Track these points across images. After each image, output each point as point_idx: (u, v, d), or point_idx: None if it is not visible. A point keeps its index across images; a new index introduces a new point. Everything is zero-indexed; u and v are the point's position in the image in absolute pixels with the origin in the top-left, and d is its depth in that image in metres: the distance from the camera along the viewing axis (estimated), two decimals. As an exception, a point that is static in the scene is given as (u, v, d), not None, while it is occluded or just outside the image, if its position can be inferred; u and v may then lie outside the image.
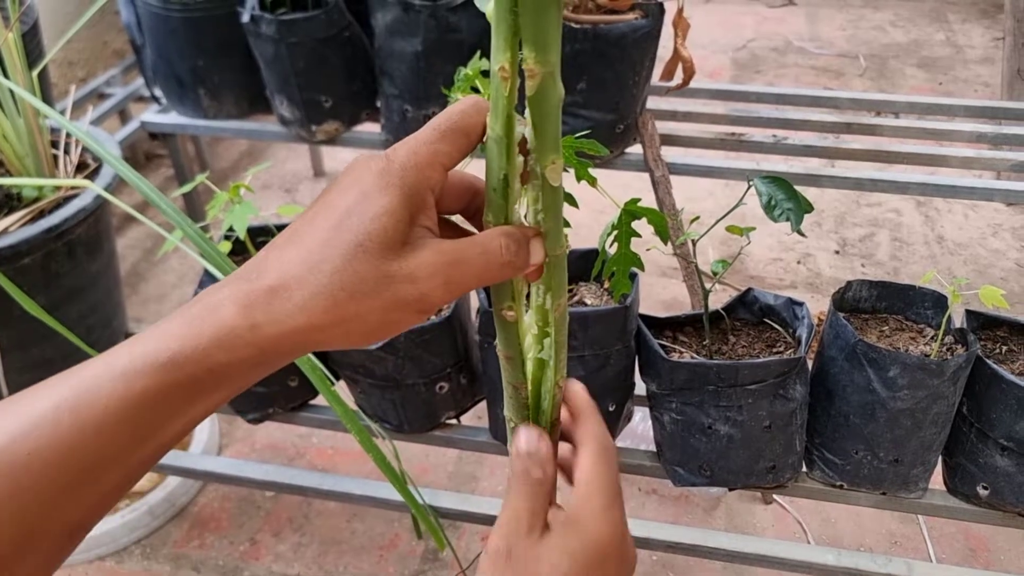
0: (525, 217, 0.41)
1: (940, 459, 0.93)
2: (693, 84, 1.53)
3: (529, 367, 0.47)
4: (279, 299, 0.35)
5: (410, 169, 0.37)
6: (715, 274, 0.84)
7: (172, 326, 0.36)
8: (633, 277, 0.87)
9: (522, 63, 0.35)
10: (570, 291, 0.95)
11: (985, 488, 0.89)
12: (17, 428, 0.33)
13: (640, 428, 1.42)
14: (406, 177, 0.36)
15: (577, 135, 0.66)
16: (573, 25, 1.30)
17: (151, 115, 1.69)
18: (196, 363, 0.35)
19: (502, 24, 0.33)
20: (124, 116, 1.96)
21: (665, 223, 0.75)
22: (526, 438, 0.46)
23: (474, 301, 0.97)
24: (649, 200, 1.06)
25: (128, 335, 1.22)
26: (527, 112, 0.37)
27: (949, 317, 0.86)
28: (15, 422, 0.33)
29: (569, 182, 0.70)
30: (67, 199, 1.01)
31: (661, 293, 1.88)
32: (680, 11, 1.40)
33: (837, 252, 2.04)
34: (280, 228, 1.06)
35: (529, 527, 0.43)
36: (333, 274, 0.35)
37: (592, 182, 0.72)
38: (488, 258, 0.38)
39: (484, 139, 0.38)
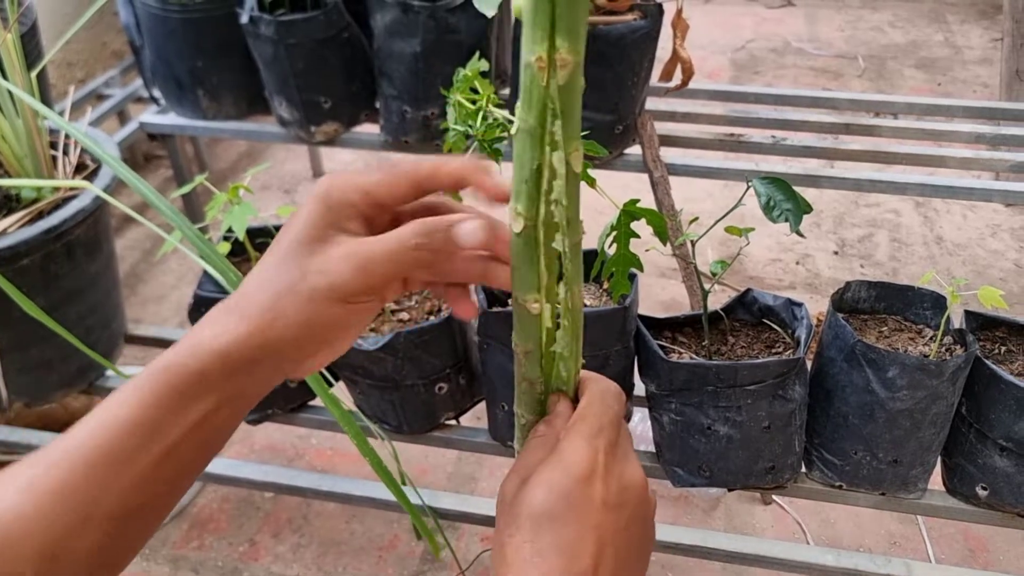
0: (551, 203, 0.41)
1: (939, 460, 0.93)
2: (692, 85, 1.53)
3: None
4: (232, 312, 0.43)
5: (333, 186, 0.44)
6: (714, 275, 0.84)
7: (176, 344, 0.43)
8: (632, 278, 0.87)
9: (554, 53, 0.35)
10: (569, 292, 0.95)
11: (984, 488, 0.89)
12: (72, 437, 0.41)
13: (639, 429, 1.42)
14: (328, 193, 0.44)
15: (576, 136, 0.66)
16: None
17: (150, 116, 1.69)
18: (178, 368, 0.42)
19: (540, 15, 0.34)
20: (123, 117, 1.96)
21: (664, 224, 0.75)
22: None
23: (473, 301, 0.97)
24: (648, 201, 1.06)
25: (127, 336, 1.22)
26: (552, 101, 0.37)
27: (948, 318, 0.86)
28: (77, 431, 0.42)
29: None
30: (66, 200, 1.01)
31: (660, 294, 1.88)
32: (679, 12, 1.40)
33: (836, 253, 2.04)
34: (279, 229, 1.06)
35: (521, 478, 0.45)
36: (266, 282, 0.42)
37: (591, 183, 0.72)
38: (399, 240, 0.43)
39: (514, 132, 0.39)
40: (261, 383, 0.44)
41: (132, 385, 0.42)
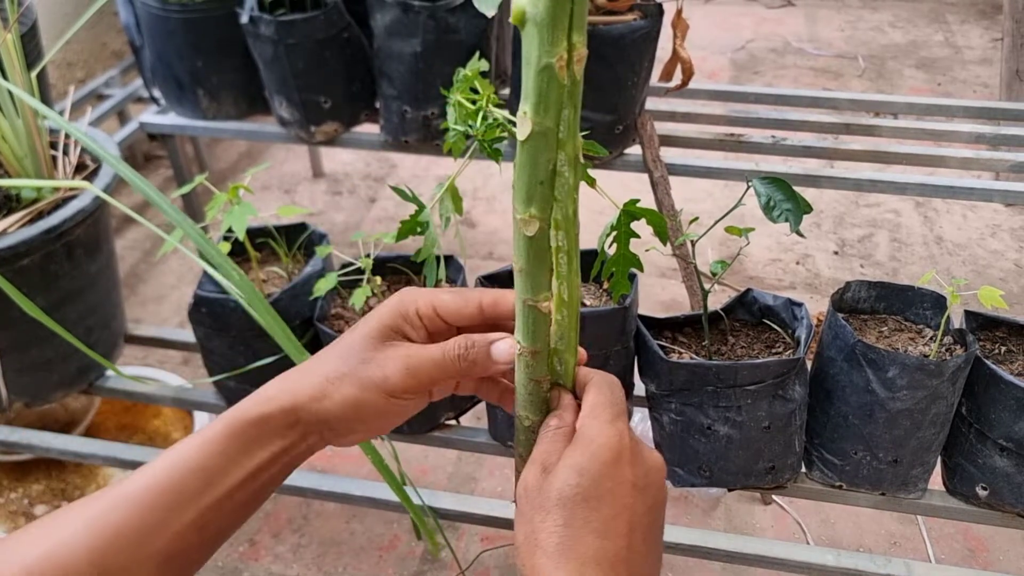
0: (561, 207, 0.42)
1: (939, 459, 0.93)
2: (692, 85, 1.53)
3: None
4: (300, 378, 0.50)
5: (406, 300, 0.52)
6: (714, 275, 0.84)
7: (243, 400, 0.50)
8: (632, 278, 0.87)
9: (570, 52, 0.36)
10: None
11: (984, 488, 0.89)
12: (131, 480, 0.47)
13: (639, 429, 1.42)
14: (401, 304, 0.52)
15: (576, 136, 0.66)
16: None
17: (150, 116, 1.69)
18: (245, 417, 0.48)
19: (562, 15, 0.34)
20: (123, 117, 1.96)
21: (664, 224, 0.75)
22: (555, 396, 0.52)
23: (473, 302, 0.97)
24: (648, 201, 1.06)
25: (127, 336, 1.22)
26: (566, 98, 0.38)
27: (948, 318, 0.86)
28: (136, 475, 0.47)
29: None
30: (66, 200, 1.01)
31: (660, 294, 1.88)
32: (679, 12, 1.40)
33: (836, 253, 2.04)
34: (279, 229, 1.06)
35: (543, 466, 0.47)
36: (332, 362, 0.50)
37: (591, 183, 0.72)
38: (443, 350, 0.50)
39: (525, 138, 0.39)
40: (309, 445, 0.51)
41: (200, 433, 0.49)
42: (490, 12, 0.79)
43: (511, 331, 0.50)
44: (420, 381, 0.50)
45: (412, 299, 0.52)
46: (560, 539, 0.43)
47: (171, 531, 0.46)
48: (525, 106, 0.38)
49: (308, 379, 0.50)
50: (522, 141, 0.39)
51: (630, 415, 1.02)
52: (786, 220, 0.76)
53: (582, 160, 0.40)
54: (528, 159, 0.39)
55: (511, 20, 0.38)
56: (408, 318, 0.52)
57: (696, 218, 0.99)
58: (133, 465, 1.11)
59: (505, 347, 0.50)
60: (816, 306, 1.80)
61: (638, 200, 0.72)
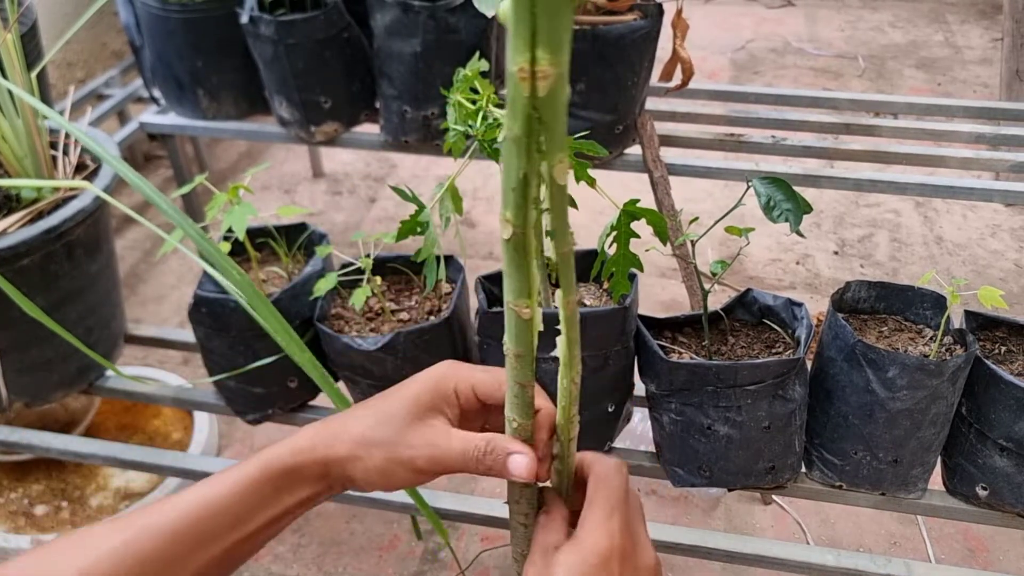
0: (539, 213, 0.41)
1: (939, 459, 0.93)
2: (692, 85, 1.53)
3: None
4: (336, 436, 0.53)
5: (445, 376, 0.55)
6: (714, 275, 0.84)
7: (273, 447, 0.53)
8: (632, 278, 0.87)
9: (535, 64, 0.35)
10: (569, 292, 0.95)
11: (984, 488, 0.89)
12: (160, 511, 0.49)
13: (639, 429, 1.42)
14: (439, 381, 0.55)
15: (576, 136, 0.66)
16: (572, 26, 1.30)
17: (150, 116, 1.69)
18: (279, 463, 0.51)
19: (522, 25, 0.34)
20: (123, 117, 1.97)
21: (664, 224, 0.75)
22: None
23: (473, 302, 0.97)
24: (648, 201, 1.06)
25: (127, 336, 1.22)
26: (536, 111, 0.37)
27: (948, 318, 0.86)
28: (165, 506, 0.49)
29: (568, 183, 0.70)
30: (66, 200, 1.01)
31: (660, 294, 1.88)
32: (679, 12, 1.40)
33: (836, 253, 2.04)
34: (279, 229, 1.06)
35: (541, 556, 0.49)
36: (368, 426, 0.54)
37: (591, 183, 0.72)
38: (465, 448, 0.53)
39: (501, 140, 0.39)
40: (329, 492, 0.55)
41: (232, 475, 0.51)
42: (490, 12, 0.80)
43: (546, 419, 0.53)
44: (442, 468, 0.54)
45: (452, 378, 0.55)
46: None
47: (195, 564, 0.48)
48: (506, 108, 0.38)
49: (343, 438, 0.53)
50: (500, 143, 0.39)
51: (629, 418, 1.02)
52: (786, 220, 0.76)
53: (561, 181, 0.40)
54: (504, 163, 0.39)
55: (500, 20, 0.37)
56: (446, 397, 0.55)
57: (696, 218, 0.99)
58: (133, 465, 1.11)
59: (523, 463, 0.52)
60: (816, 306, 1.80)
61: (638, 200, 0.72)
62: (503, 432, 0.53)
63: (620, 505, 0.50)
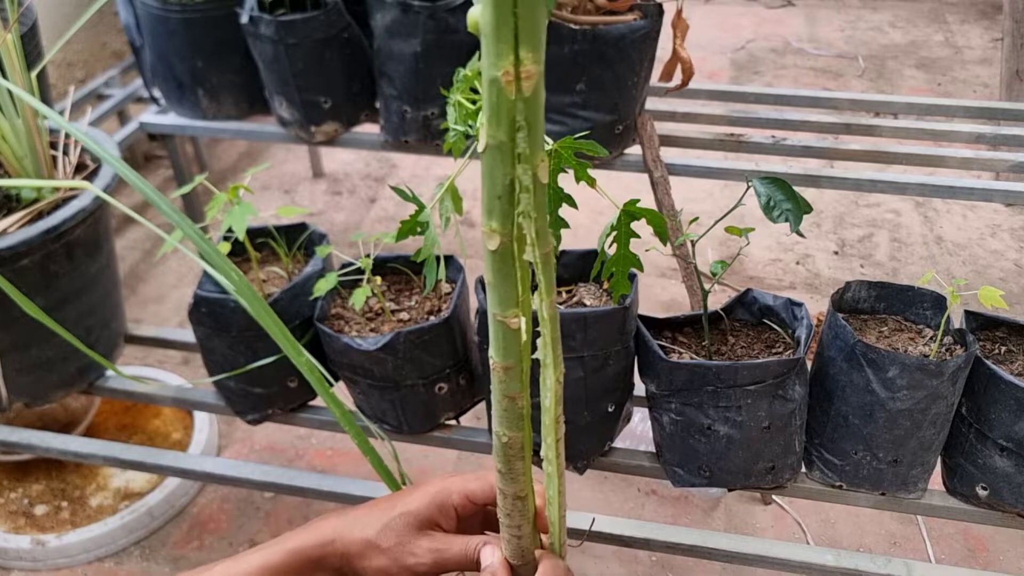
0: (518, 216, 0.41)
1: (939, 459, 0.93)
2: (692, 85, 1.53)
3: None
4: (349, 532, 0.60)
5: (442, 490, 0.61)
6: (714, 275, 0.84)
7: (296, 533, 0.62)
8: (632, 278, 0.87)
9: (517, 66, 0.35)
10: (569, 292, 0.95)
11: (984, 488, 0.89)
12: None
13: (639, 429, 1.42)
14: (437, 495, 0.61)
15: (576, 136, 0.66)
16: (572, 26, 1.30)
17: (150, 116, 1.69)
18: (304, 552, 0.59)
19: (504, 29, 0.33)
20: (123, 117, 1.96)
21: (664, 224, 0.75)
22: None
23: (473, 302, 0.97)
24: (648, 201, 1.06)
25: (127, 336, 1.22)
26: (519, 113, 0.36)
27: (948, 318, 0.86)
28: None
29: (568, 183, 0.70)
30: (66, 200, 1.01)
31: (660, 294, 1.88)
32: (679, 12, 1.40)
33: (836, 253, 2.04)
34: (279, 229, 1.06)
35: None
36: (376, 530, 0.60)
37: (591, 183, 0.72)
38: (466, 551, 0.59)
39: (482, 150, 0.38)
40: None
41: (259, 554, 0.58)
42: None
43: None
44: (443, 571, 0.60)
45: (448, 493, 0.61)
46: None
47: None
48: (482, 118, 0.37)
49: (357, 536, 0.60)
50: (480, 152, 0.38)
51: (629, 418, 1.02)
52: (786, 220, 0.76)
53: (543, 179, 0.39)
54: (486, 172, 0.39)
55: (468, 28, 0.37)
56: (444, 510, 0.61)
57: (696, 218, 0.99)
58: (133, 465, 1.11)
59: (488, 553, 0.59)
60: (816, 306, 1.80)
61: (638, 200, 0.72)
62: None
63: None
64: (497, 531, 0.59)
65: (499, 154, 0.37)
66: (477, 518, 0.65)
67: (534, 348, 0.47)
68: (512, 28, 0.33)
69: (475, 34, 0.36)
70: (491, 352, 0.46)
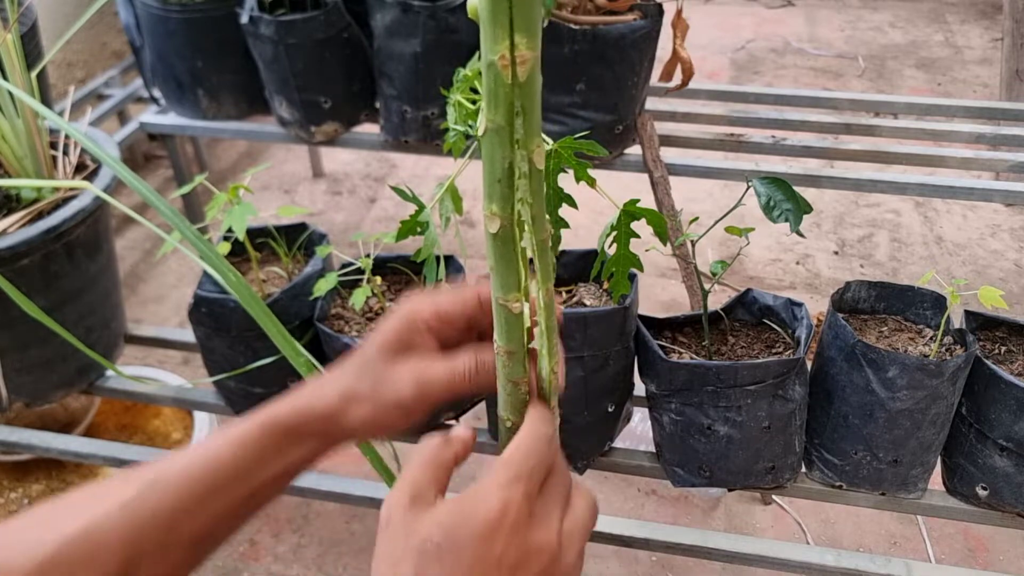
0: (518, 202, 0.41)
1: (939, 460, 0.93)
2: (692, 85, 1.53)
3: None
4: (324, 390, 0.53)
5: (409, 310, 0.53)
6: (714, 275, 0.84)
7: (272, 405, 0.53)
8: (632, 278, 0.87)
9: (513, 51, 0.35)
10: (569, 292, 0.95)
11: (984, 488, 0.89)
12: (166, 466, 0.49)
13: (639, 429, 1.42)
14: (404, 316, 0.53)
15: (576, 136, 0.66)
16: (572, 26, 1.30)
17: (150, 116, 1.69)
18: (279, 422, 0.51)
19: (500, 14, 0.34)
20: (123, 117, 1.96)
21: (664, 224, 0.75)
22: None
23: (473, 302, 0.97)
24: (648, 201, 1.06)
25: (127, 336, 1.22)
26: (515, 98, 0.37)
27: (948, 318, 0.86)
28: (171, 462, 0.50)
29: (568, 183, 0.70)
30: (66, 200, 1.01)
31: (660, 294, 1.88)
32: (679, 12, 1.40)
33: (836, 253, 2.04)
34: (279, 229, 1.06)
35: (412, 499, 0.44)
36: (350, 378, 0.53)
37: (591, 183, 0.72)
38: (452, 375, 0.51)
39: (482, 134, 0.39)
40: (331, 448, 0.54)
41: (235, 432, 0.50)
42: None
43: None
44: (431, 399, 0.52)
45: (416, 311, 0.53)
46: None
47: (202, 518, 0.48)
48: (482, 103, 0.38)
49: (334, 392, 0.52)
50: (480, 137, 0.39)
51: (629, 418, 1.02)
52: (786, 220, 0.76)
53: (540, 165, 0.40)
54: (486, 156, 0.40)
55: (468, 15, 0.38)
56: (418, 332, 0.53)
57: (696, 218, 0.99)
58: (133, 465, 1.11)
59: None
60: (816, 306, 1.80)
61: (638, 200, 0.72)
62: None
63: (530, 475, 0.43)
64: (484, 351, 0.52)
65: (498, 138, 0.38)
66: (461, 342, 0.55)
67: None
68: (507, 13, 0.34)
69: (475, 20, 0.36)
70: (495, 337, 0.46)
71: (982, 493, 0.89)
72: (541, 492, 0.44)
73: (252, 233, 1.03)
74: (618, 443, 1.02)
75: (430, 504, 0.44)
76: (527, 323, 0.45)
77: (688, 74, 1.46)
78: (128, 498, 0.47)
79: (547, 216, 0.43)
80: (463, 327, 0.54)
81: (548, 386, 0.48)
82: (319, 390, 0.53)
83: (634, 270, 0.80)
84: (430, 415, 0.55)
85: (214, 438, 0.51)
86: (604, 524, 0.97)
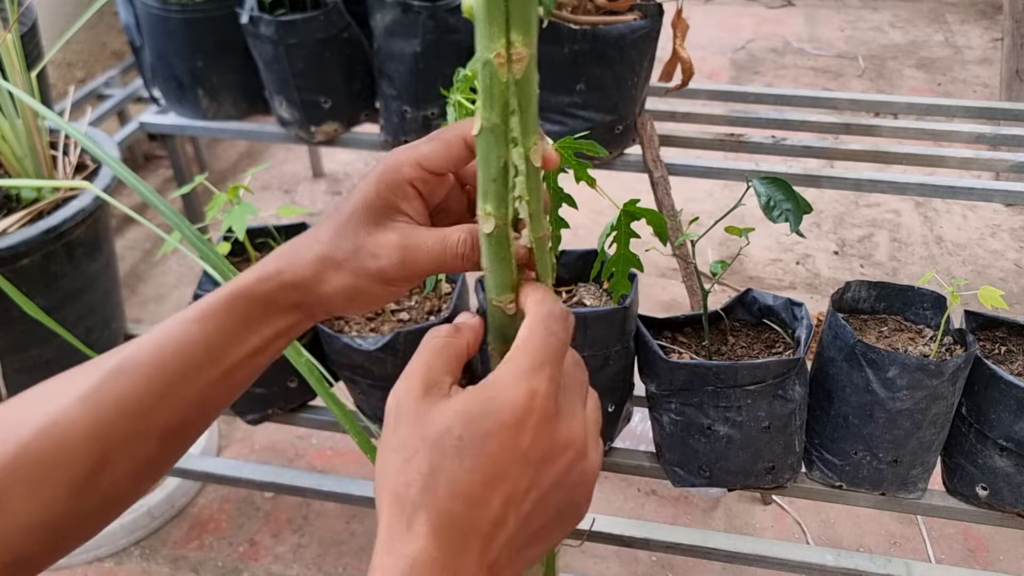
0: (514, 200, 0.41)
1: (939, 460, 0.93)
2: (692, 85, 1.52)
3: None
4: (296, 256, 0.47)
5: (389, 166, 0.46)
6: (714, 275, 0.84)
7: (239, 275, 0.47)
8: (632, 278, 0.87)
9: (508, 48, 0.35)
10: (569, 292, 0.95)
11: (984, 488, 0.89)
12: (130, 351, 0.44)
13: (639, 429, 1.42)
14: (384, 173, 0.46)
15: (576, 136, 0.66)
16: (572, 26, 1.30)
17: (150, 116, 1.69)
18: (245, 292, 0.46)
19: (496, 12, 0.34)
20: (123, 117, 1.96)
21: (664, 224, 0.75)
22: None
23: (473, 301, 0.97)
24: (648, 201, 1.06)
25: (127, 336, 1.22)
26: (511, 96, 0.37)
27: (948, 318, 0.86)
28: (135, 345, 0.45)
29: (568, 183, 0.70)
30: (66, 200, 1.01)
31: (660, 294, 1.88)
32: (679, 12, 1.40)
33: (836, 253, 2.04)
34: (279, 229, 1.06)
35: (425, 387, 0.39)
36: (326, 242, 0.46)
37: (591, 183, 0.72)
38: (444, 246, 0.45)
39: (477, 133, 0.39)
40: (308, 321, 0.49)
41: (200, 307, 0.45)
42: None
43: None
44: (416, 272, 0.46)
45: (398, 167, 0.46)
46: (418, 489, 0.36)
47: (173, 404, 0.44)
48: (478, 101, 0.38)
49: (307, 258, 0.46)
50: (475, 135, 0.39)
51: (629, 418, 1.02)
52: (786, 220, 0.76)
53: (537, 163, 0.39)
54: (481, 155, 0.39)
55: (463, 13, 0.37)
56: (401, 191, 0.46)
57: (696, 218, 0.99)
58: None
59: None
60: (816, 306, 1.80)
61: (638, 200, 0.72)
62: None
63: (552, 361, 0.39)
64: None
65: (493, 136, 0.38)
66: (453, 200, 0.50)
67: None
68: (504, 11, 0.34)
69: (470, 19, 0.36)
70: (488, 338, 0.46)
71: (982, 493, 0.89)
72: (563, 382, 0.40)
73: (252, 233, 1.03)
74: (618, 443, 1.02)
75: (445, 394, 0.39)
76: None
77: (688, 74, 1.46)
78: (90, 387, 0.43)
79: (547, 215, 0.43)
80: (451, 179, 0.49)
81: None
82: (292, 256, 0.47)
83: (634, 270, 0.80)
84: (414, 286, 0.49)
85: (179, 316, 0.45)
86: (604, 524, 0.97)
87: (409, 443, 0.38)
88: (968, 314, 0.91)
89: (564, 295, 0.94)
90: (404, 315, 0.98)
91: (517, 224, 0.42)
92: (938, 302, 0.90)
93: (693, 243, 0.85)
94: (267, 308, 0.46)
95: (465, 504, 0.36)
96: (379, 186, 0.46)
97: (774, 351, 0.90)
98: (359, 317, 0.98)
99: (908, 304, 0.92)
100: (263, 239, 1.06)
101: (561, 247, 0.85)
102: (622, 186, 1.68)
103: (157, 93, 1.69)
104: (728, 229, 0.82)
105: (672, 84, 1.50)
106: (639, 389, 0.97)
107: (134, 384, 0.43)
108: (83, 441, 0.41)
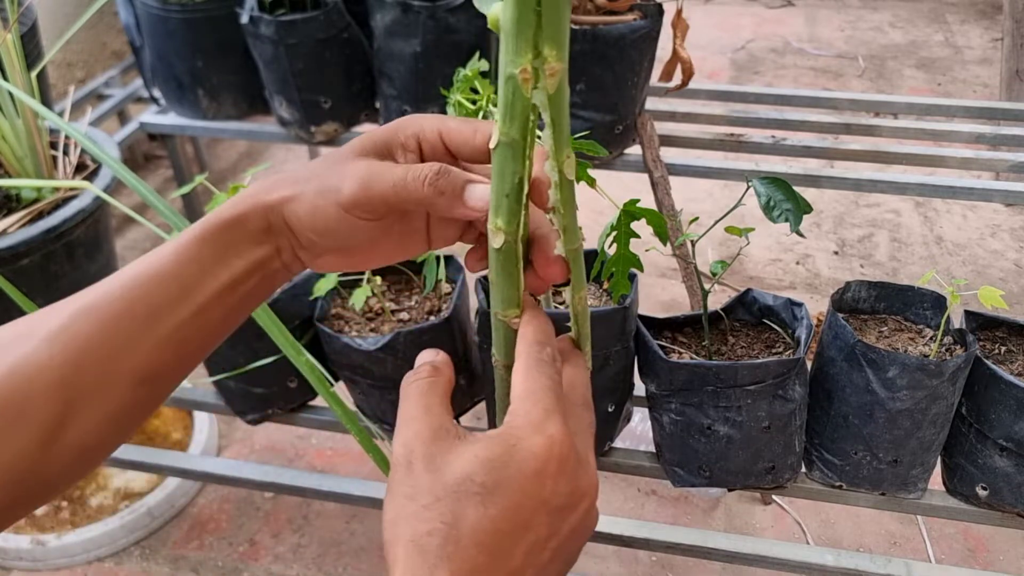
0: (548, 213, 0.41)
1: (939, 460, 0.93)
2: (692, 85, 1.53)
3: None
4: (275, 182, 0.45)
5: (412, 118, 0.46)
6: (714, 275, 0.84)
7: (217, 208, 0.46)
8: (632, 278, 0.87)
9: (540, 63, 0.35)
10: (569, 292, 0.95)
11: (984, 488, 0.89)
12: (97, 290, 0.42)
13: (639, 429, 1.42)
14: (403, 120, 0.46)
15: (576, 136, 0.66)
16: (572, 26, 1.30)
17: (150, 116, 1.69)
18: (219, 218, 0.44)
19: (525, 25, 0.33)
20: (123, 117, 1.96)
21: (664, 224, 0.75)
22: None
23: (473, 302, 0.97)
24: (648, 201, 1.06)
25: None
26: (543, 111, 0.36)
27: (948, 318, 0.86)
28: (102, 285, 0.43)
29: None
30: (66, 200, 1.01)
31: (660, 294, 1.88)
32: (679, 12, 1.40)
33: (836, 253, 2.04)
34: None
35: (433, 431, 0.39)
36: (306, 168, 0.46)
37: (591, 183, 0.72)
38: (409, 171, 0.43)
39: (494, 146, 0.38)
40: (284, 263, 0.46)
41: (176, 240, 0.44)
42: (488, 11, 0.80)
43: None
44: (372, 195, 0.43)
45: (415, 122, 0.46)
46: (441, 539, 0.35)
47: (146, 346, 0.42)
48: (496, 114, 0.38)
49: (281, 181, 0.45)
50: (492, 149, 0.38)
51: (629, 418, 1.02)
52: (786, 220, 0.76)
53: (570, 176, 0.39)
54: (496, 169, 0.39)
55: (488, 26, 0.36)
56: (403, 140, 0.45)
57: (696, 218, 0.99)
58: (133, 465, 1.11)
59: (481, 193, 0.42)
60: (816, 306, 1.80)
61: (638, 200, 0.72)
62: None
63: (560, 406, 0.39)
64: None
65: (510, 151, 0.38)
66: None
67: None
68: (534, 25, 0.33)
69: (495, 31, 0.36)
70: (493, 351, 0.46)
71: (982, 493, 0.89)
72: (575, 427, 0.40)
73: (252, 233, 1.03)
74: (618, 443, 1.02)
75: (456, 436, 0.38)
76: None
77: (688, 74, 1.46)
78: (56, 328, 0.40)
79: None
80: (463, 157, 0.46)
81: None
82: (264, 184, 0.46)
83: (634, 270, 0.80)
84: (407, 246, 0.48)
85: (151, 253, 0.44)
86: (604, 524, 0.97)
87: (427, 489, 0.37)
88: (968, 314, 0.91)
89: (564, 295, 0.94)
90: (404, 315, 0.98)
91: (527, 241, 0.42)
92: (938, 302, 0.90)
93: (693, 243, 0.85)
94: (236, 233, 0.44)
95: (489, 555, 0.36)
96: (387, 133, 0.45)
97: (774, 351, 0.90)
98: (359, 317, 0.98)
99: (908, 304, 0.92)
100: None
101: (561, 247, 0.85)
102: (622, 186, 1.68)
103: (157, 93, 1.69)
104: (728, 229, 0.82)
105: (672, 84, 1.50)
106: (639, 389, 0.98)
107: (101, 327, 0.40)
108: (50, 387, 0.39)
